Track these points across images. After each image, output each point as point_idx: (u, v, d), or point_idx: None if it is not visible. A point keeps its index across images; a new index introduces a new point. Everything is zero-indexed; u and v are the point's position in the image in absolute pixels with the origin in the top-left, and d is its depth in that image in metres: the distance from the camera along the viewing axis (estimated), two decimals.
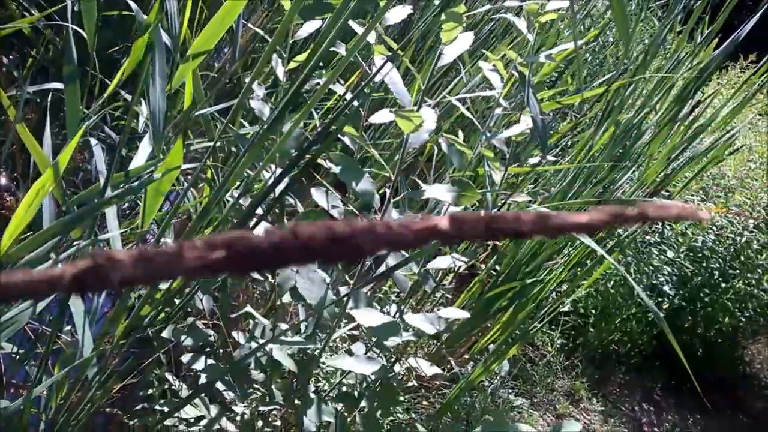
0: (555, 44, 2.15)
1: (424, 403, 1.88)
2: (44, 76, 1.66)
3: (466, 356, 2.03)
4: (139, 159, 1.03)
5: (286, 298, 1.07)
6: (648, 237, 2.58)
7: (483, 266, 2.03)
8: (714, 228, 2.58)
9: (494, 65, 1.02)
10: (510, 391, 2.12)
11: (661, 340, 2.49)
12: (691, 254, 2.53)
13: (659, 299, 2.48)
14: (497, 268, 2.06)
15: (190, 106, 0.79)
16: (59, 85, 0.93)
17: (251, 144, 0.70)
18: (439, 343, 1.90)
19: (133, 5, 0.90)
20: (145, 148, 1.04)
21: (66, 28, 0.94)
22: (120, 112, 1.25)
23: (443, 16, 0.68)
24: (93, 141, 0.89)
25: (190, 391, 1.00)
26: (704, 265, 2.48)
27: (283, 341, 0.85)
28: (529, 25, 0.97)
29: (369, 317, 0.82)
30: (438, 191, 0.77)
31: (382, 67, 0.71)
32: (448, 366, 1.92)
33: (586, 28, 2.76)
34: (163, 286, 0.85)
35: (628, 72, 2.02)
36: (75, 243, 0.76)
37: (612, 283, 2.50)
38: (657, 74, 2.06)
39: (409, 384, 1.78)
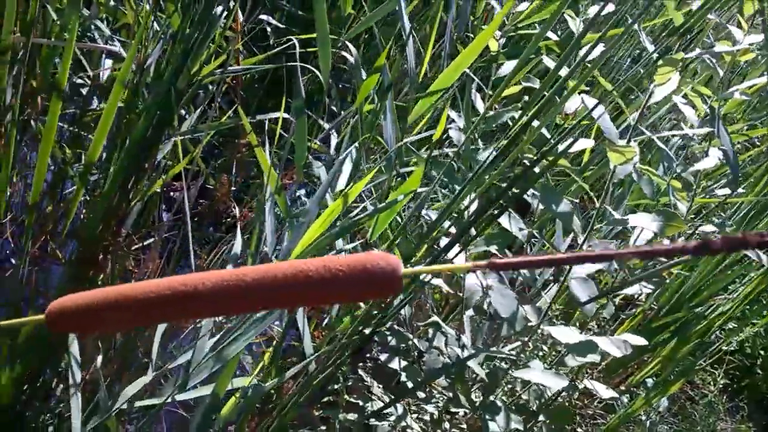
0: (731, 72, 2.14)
1: (579, 431, 1.93)
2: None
3: (622, 387, 2.06)
4: (342, 179, 1.22)
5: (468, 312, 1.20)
6: None
7: (644, 298, 2.05)
8: None
9: (687, 98, 1.10)
10: (668, 428, 2.12)
11: None
12: None
13: None
14: (654, 303, 2.09)
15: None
16: (285, 115, 1.13)
17: (469, 181, 0.84)
18: (595, 372, 1.95)
19: (352, 50, 1.08)
20: (347, 168, 1.23)
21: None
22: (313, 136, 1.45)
23: (660, 62, 0.79)
24: (317, 164, 1.08)
25: (380, 387, 1.16)
26: None
27: (480, 350, 0.98)
28: (723, 67, 1.04)
29: (566, 334, 0.93)
30: (643, 220, 0.87)
31: (594, 108, 0.82)
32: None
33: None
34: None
35: None
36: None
37: None
38: None
39: None
